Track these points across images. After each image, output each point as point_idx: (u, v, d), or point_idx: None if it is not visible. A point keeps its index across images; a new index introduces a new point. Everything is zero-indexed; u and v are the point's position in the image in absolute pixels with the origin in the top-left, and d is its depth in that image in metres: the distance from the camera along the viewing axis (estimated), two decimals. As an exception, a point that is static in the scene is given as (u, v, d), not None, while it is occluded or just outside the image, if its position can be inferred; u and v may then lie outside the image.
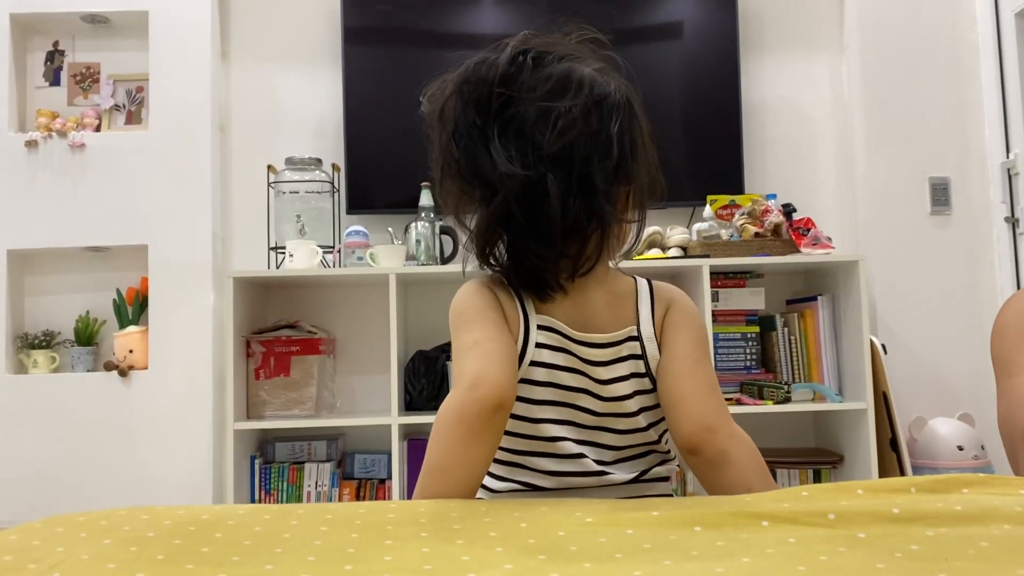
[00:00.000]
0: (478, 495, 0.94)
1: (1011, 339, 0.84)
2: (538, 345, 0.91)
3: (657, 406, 0.94)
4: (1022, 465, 0.72)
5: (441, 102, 0.93)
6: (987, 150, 2.87)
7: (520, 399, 0.90)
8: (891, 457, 2.57)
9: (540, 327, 0.92)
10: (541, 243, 0.87)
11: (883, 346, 2.63)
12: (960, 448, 2.55)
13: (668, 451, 0.97)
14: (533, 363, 0.91)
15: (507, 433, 0.91)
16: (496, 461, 0.94)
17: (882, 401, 2.56)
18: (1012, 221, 2.78)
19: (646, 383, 0.93)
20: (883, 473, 2.54)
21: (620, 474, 0.92)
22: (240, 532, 0.52)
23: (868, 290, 2.63)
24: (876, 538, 0.50)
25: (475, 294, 0.93)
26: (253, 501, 2.59)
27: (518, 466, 0.94)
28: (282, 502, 2.59)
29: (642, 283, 1.00)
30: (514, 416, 0.90)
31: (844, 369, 2.63)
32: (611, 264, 0.96)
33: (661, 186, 0.94)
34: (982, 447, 2.58)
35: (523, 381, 0.90)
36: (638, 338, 0.94)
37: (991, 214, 2.85)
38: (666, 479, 0.96)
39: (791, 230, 2.67)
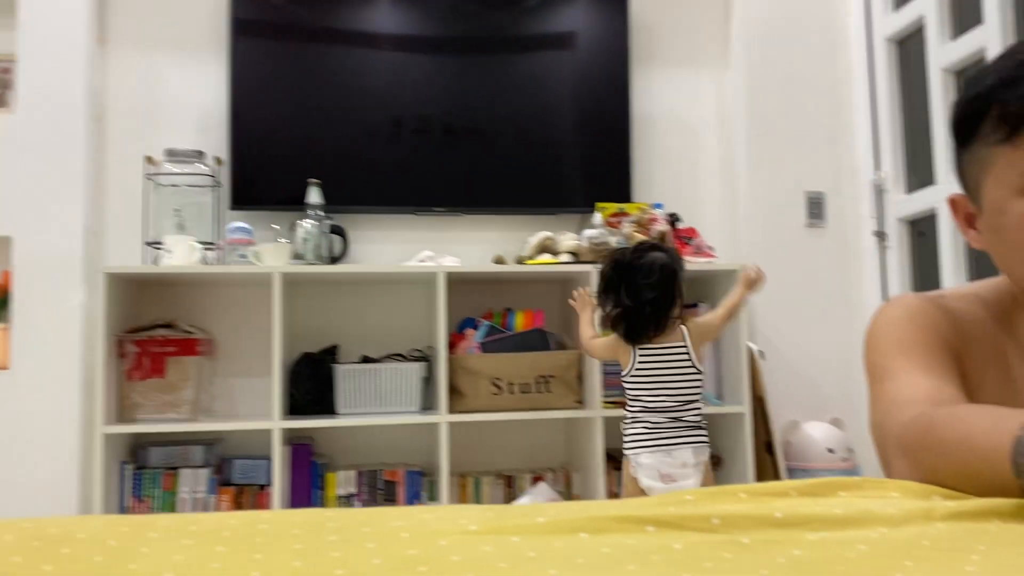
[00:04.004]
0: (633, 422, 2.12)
1: (883, 346, 0.87)
2: (640, 359, 2.09)
3: (696, 382, 2.11)
4: (894, 469, 0.74)
5: (605, 268, 2.10)
6: (858, 167, 3.02)
7: (635, 374, 2.09)
8: (767, 460, 2.66)
9: (640, 352, 2.09)
10: (640, 326, 2.06)
11: (760, 352, 2.72)
12: (831, 451, 2.67)
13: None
14: (639, 365, 2.09)
15: (632, 389, 2.11)
16: (629, 407, 2.14)
17: (759, 405, 2.66)
18: (879, 235, 2.93)
19: (692, 369, 2.09)
20: (760, 475, 2.63)
21: (686, 414, 2.08)
22: (91, 547, 0.47)
23: (746, 298, 2.72)
24: (759, 544, 0.50)
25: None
26: (123, 509, 2.46)
27: (638, 400, 2.10)
28: (155, 509, 2.47)
29: (684, 328, 2.10)
30: (634, 382, 2.10)
31: (723, 374, 2.71)
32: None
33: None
34: (850, 450, 2.71)
35: (634, 372, 2.10)
36: (686, 347, 2.09)
37: (861, 228, 3.00)
38: (701, 417, 2.11)
39: (676, 239, 2.74)
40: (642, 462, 2.06)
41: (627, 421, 2.14)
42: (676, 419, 2.06)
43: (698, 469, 2.05)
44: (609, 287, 2.08)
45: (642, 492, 2.05)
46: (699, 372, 2.11)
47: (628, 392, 2.13)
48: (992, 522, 0.55)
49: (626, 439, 2.11)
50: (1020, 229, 0.76)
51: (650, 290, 2.02)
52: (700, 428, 2.09)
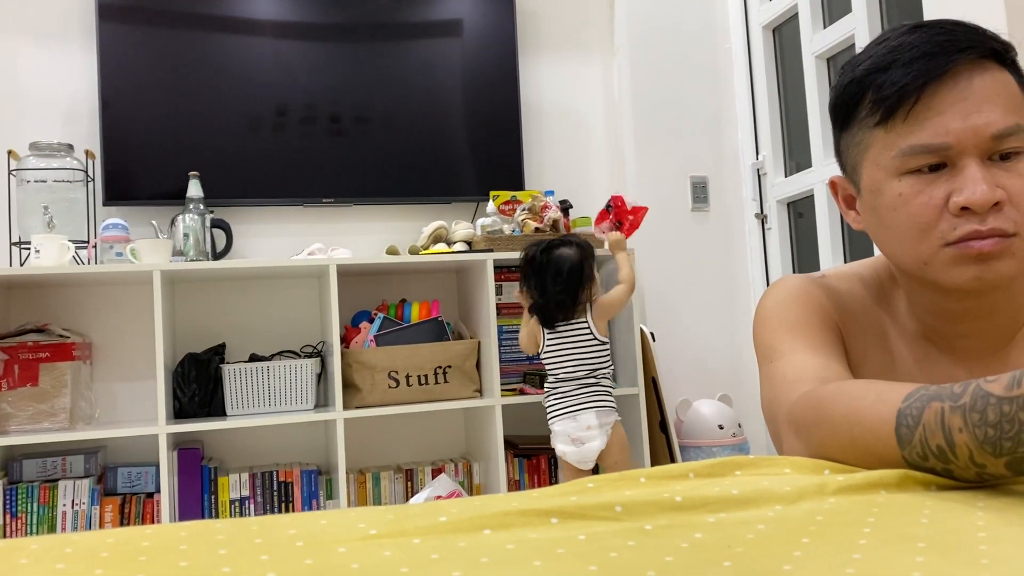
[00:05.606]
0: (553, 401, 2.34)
1: (772, 326, 0.89)
2: (548, 338, 2.33)
3: (599, 351, 2.33)
4: (786, 445, 0.76)
5: (522, 262, 2.33)
6: (739, 152, 3.12)
7: (547, 351, 2.34)
8: (661, 439, 2.73)
9: (548, 332, 2.33)
10: (551, 315, 2.30)
11: (652, 334, 2.78)
12: (720, 427, 2.76)
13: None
14: (548, 344, 2.34)
15: (547, 364, 2.34)
16: (547, 382, 2.36)
17: (652, 386, 2.72)
18: (761, 217, 3.04)
19: (594, 342, 2.31)
20: (654, 453, 2.69)
21: (592, 381, 2.31)
22: (-50, 581, 0.43)
23: (638, 281, 2.78)
24: (662, 529, 0.50)
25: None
26: (-5, 528, 2.31)
27: (553, 373, 2.33)
28: (32, 525, 2.33)
29: (588, 306, 2.33)
30: (547, 358, 2.34)
31: (618, 356, 2.75)
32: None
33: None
34: (739, 425, 2.80)
35: (546, 349, 2.34)
36: (587, 322, 2.31)
37: (743, 210, 3.11)
38: (610, 378, 2.36)
39: (568, 225, 2.76)
40: (555, 430, 2.30)
41: (545, 395, 2.37)
42: (584, 386, 2.29)
43: (603, 431, 2.26)
44: (525, 280, 2.34)
45: (563, 458, 2.31)
46: (602, 343, 2.33)
47: (546, 367, 2.36)
48: (879, 493, 0.58)
49: (546, 411, 2.36)
50: (895, 209, 0.80)
51: (556, 286, 2.27)
52: (605, 393, 2.32)
